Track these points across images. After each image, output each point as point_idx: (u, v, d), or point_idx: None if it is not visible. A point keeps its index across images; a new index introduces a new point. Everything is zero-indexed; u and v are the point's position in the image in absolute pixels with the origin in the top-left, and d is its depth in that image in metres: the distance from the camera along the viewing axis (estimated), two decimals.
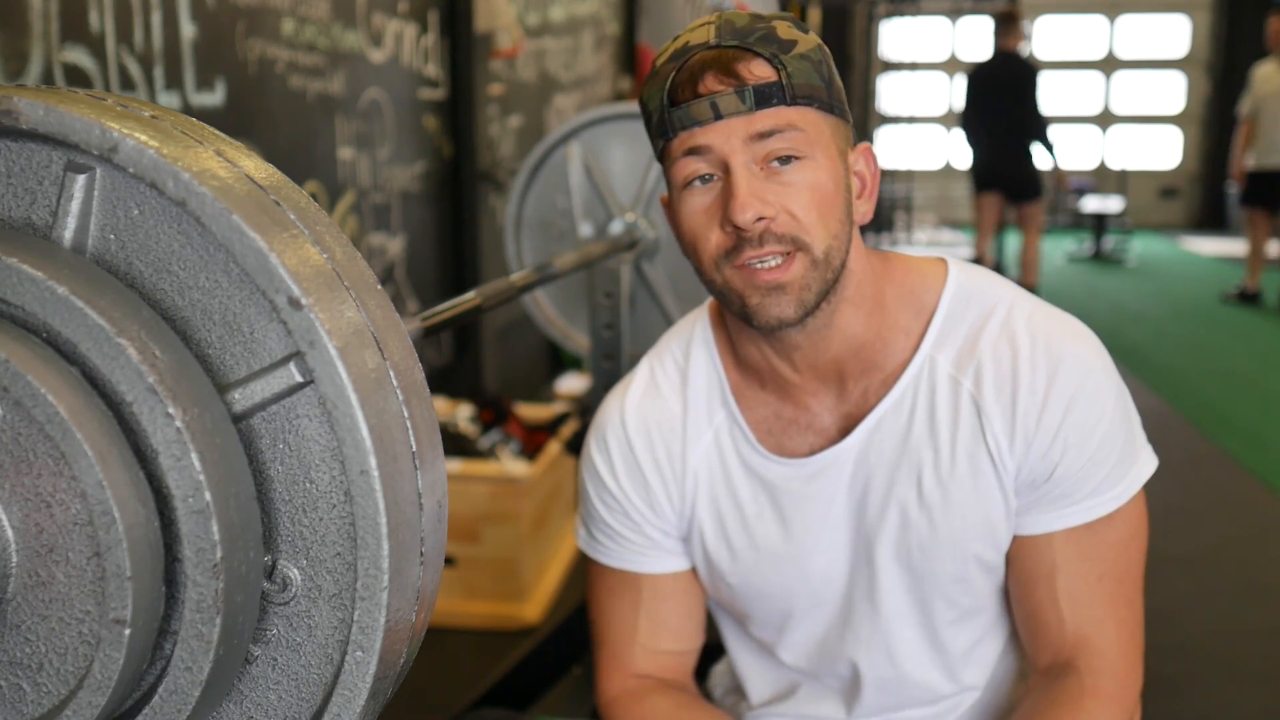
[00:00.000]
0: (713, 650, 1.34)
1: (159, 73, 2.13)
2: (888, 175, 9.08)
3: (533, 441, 3.05)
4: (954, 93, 11.74)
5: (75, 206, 0.55)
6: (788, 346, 1.07)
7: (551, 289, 2.28)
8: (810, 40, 1.01)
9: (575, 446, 2.28)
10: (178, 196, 0.53)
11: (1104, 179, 11.32)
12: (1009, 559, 1.10)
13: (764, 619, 1.18)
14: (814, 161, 0.99)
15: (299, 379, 0.54)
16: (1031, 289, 5.01)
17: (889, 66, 9.25)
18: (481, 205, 3.92)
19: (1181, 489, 3.73)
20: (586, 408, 2.49)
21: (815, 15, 7.80)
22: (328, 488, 0.56)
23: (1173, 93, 11.76)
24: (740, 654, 1.26)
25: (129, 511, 0.51)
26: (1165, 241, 10.75)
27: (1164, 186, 11.86)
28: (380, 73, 3.22)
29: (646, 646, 1.19)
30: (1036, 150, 6.55)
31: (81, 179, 0.55)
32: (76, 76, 1.90)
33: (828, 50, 1.03)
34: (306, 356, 0.54)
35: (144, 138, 0.53)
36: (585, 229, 2.16)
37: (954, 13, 10.61)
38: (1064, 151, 7.29)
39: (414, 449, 0.57)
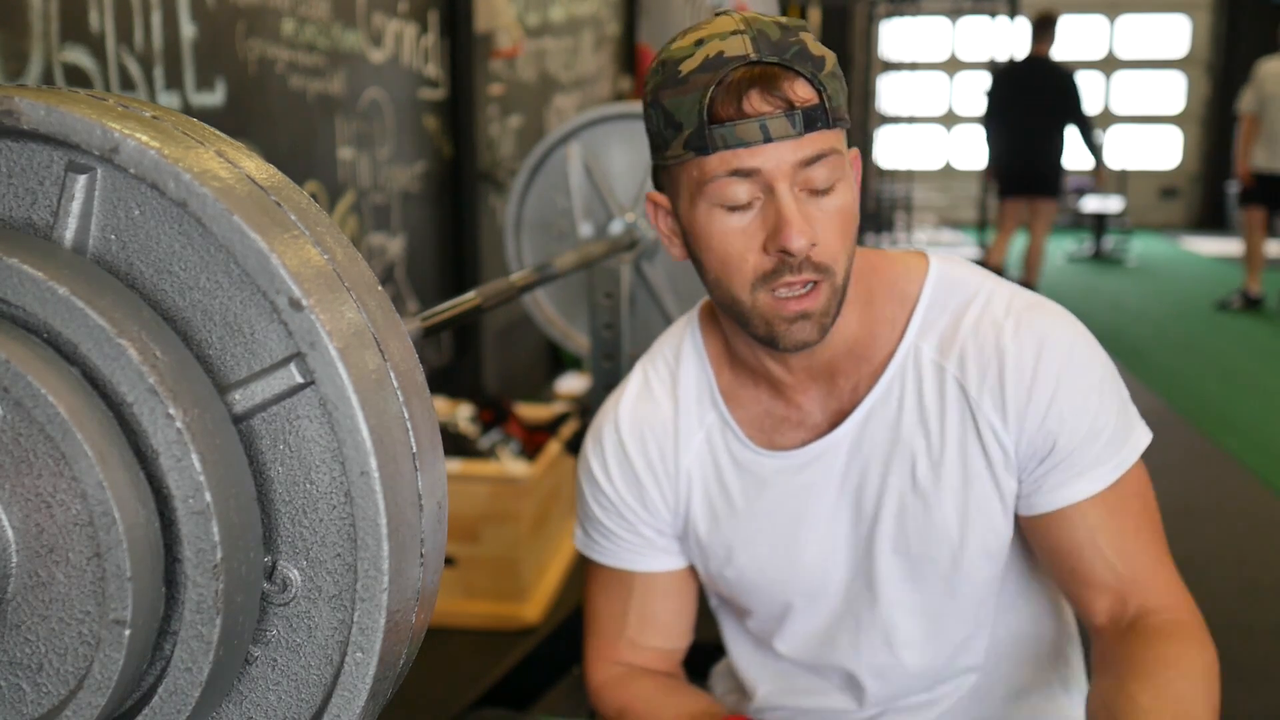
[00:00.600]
0: (713, 650, 1.35)
1: (159, 73, 2.13)
2: (888, 175, 9.08)
3: (533, 441, 3.05)
4: (954, 93, 11.75)
5: (76, 207, 0.55)
6: (788, 353, 1.08)
7: (551, 289, 2.28)
8: (830, 54, 1.02)
9: (575, 446, 2.28)
10: (179, 197, 0.53)
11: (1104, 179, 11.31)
12: (1040, 536, 1.11)
13: (764, 612, 1.20)
14: (845, 183, 1.01)
15: (299, 380, 0.55)
16: (1031, 289, 4.98)
17: (889, 66, 9.23)
18: (481, 205, 3.92)
19: (1182, 489, 3.73)
20: (586, 408, 2.49)
21: (815, 15, 7.78)
22: (328, 489, 0.56)
23: (1173, 93, 11.76)
24: (739, 650, 1.27)
25: (129, 512, 0.51)
26: (1165, 241, 10.75)
27: (1164, 186, 11.85)
28: (380, 73, 3.22)
29: (634, 641, 1.23)
30: (1071, 152, 6.42)
31: (82, 179, 0.55)
32: (76, 76, 1.90)
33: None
34: (307, 357, 0.54)
35: (145, 138, 0.53)
36: (585, 229, 2.16)
37: (954, 13, 10.59)
38: (1109, 154, 7.23)
39: (414, 450, 0.57)
